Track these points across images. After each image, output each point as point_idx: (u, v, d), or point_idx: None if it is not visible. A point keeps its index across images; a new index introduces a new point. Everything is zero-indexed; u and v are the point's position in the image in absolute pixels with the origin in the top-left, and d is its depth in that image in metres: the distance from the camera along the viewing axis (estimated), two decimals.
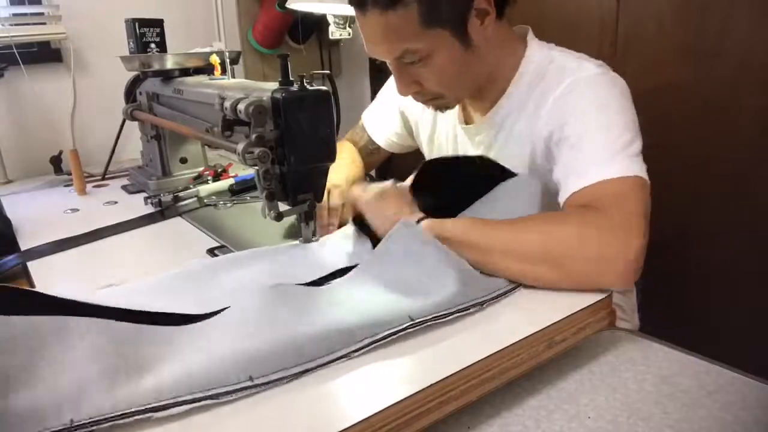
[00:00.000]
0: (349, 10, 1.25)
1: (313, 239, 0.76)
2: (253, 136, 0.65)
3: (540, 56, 0.79)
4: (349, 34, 1.68)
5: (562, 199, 0.70)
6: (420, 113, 0.98)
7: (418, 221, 0.67)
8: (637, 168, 0.67)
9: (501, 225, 0.65)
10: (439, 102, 0.82)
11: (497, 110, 0.82)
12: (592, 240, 0.60)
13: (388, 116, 1.04)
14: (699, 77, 1.17)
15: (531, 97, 0.78)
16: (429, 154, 1.00)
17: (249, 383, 0.45)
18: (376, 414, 0.42)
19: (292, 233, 0.82)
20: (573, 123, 0.71)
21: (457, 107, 0.89)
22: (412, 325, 0.52)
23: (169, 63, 1.01)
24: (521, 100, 0.79)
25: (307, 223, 0.75)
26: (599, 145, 0.69)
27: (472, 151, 0.88)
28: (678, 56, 1.18)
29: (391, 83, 1.04)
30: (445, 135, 0.94)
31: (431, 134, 0.97)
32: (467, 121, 0.90)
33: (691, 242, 1.24)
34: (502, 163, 0.75)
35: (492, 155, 0.83)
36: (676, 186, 1.17)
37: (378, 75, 2.01)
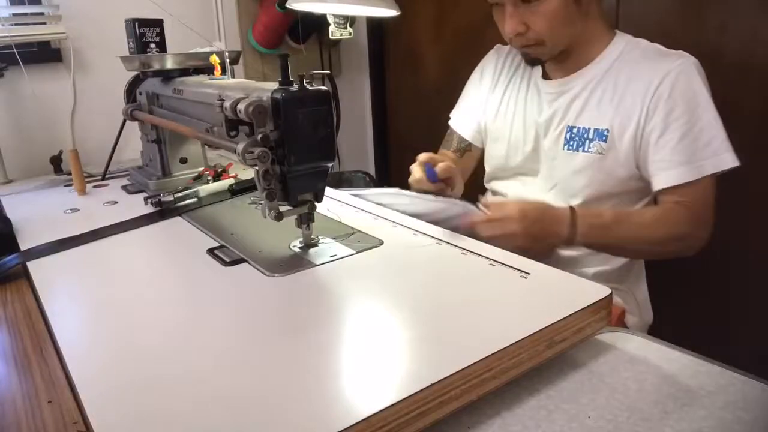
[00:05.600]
0: (349, 10, 1.26)
1: (313, 240, 0.76)
2: (254, 137, 0.65)
3: (627, 40, 0.94)
4: (350, 34, 1.68)
5: (659, 184, 0.88)
6: (496, 90, 1.09)
7: (572, 214, 0.84)
8: (728, 158, 0.85)
9: (630, 226, 0.88)
10: (537, 49, 0.92)
11: (586, 71, 0.94)
12: (689, 234, 0.88)
13: (471, 106, 1.11)
14: None
15: (624, 65, 0.91)
16: (494, 117, 1.08)
17: None
18: (376, 414, 0.42)
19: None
20: (682, 111, 0.86)
21: (539, 70, 1.02)
22: None
23: (169, 63, 1.01)
24: (610, 67, 0.93)
25: (308, 226, 0.75)
26: (702, 140, 0.85)
27: (547, 99, 0.99)
28: None
29: (472, 80, 1.14)
30: (516, 94, 1.05)
31: (501, 95, 1.08)
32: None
33: None
34: (589, 116, 0.93)
35: (575, 107, 0.95)
36: None
37: (378, 75, 2.01)
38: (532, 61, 0.98)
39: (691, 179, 0.85)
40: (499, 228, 0.79)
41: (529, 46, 0.92)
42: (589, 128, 0.92)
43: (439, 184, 0.89)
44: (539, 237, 0.81)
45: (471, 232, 0.78)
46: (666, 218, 0.88)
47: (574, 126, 0.94)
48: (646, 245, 0.89)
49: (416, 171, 0.90)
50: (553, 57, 0.94)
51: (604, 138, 0.91)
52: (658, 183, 0.88)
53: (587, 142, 0.92)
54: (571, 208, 0.85)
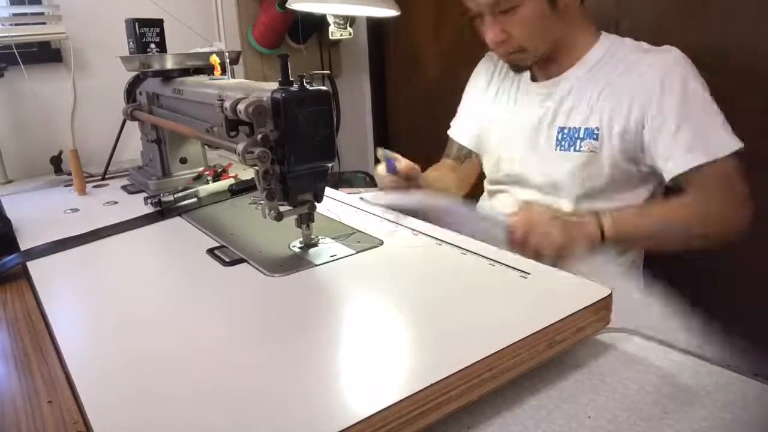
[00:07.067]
0: (349, 10, 1.26)
1: (313, 240, 0.76)
2: (254, 137, 0.65)
3: (612, 39, 0.95)
4: (350, 34, 1.68)
5: (673, 171, 0.86)
6: (491, 98, 1.10)
7: (599, 224, 0.82)
8: (731, 141, 0.85)
9: (659, 212, 0.89)
10: (519, 56, 0.95)
11: (573, 71, 0.96)
12: (724, 213, 0.86)
13: (469, 114, 1.13)
14: None
15: (610, 64, 0.93)
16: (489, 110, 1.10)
17: None
18: (376, 414, 0.42)
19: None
20: (674, 101, 0.86)
21: (527, 72, 1.03)
22: None
23: (169, 63, 1.01)
24: (596, 65, 0.94)
25: (308, 226, 0.75)
26: (703, 124, 0.85)
27: (537, 101, 1.00)
28: None
29: (468, 89, 1.16)
30: (507, 98, 1.07)
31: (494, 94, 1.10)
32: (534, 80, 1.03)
33: None
34: (579, 116, 0.94)
35: (565, 108, 0.96)
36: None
37: (378, 75, 2.01)
38: (517, 69, 1.01)
39: (700, 162, 0.84)
40: (536, 235, 0.79)
41: (512, 54, 0.95)
42: (579, 128, 0.93)
43: (396, 177, 0.93)
44: (573, 234, 0.80)
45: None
46: (697, 200, 0.86)
47: (564, 126, 0.95)
48: (683, 229, 0.86)
49: (380, 165, 0.95)
50: (538, 60, 0.97)
51: (594, 136, 0.92)
52: (669, 172, 0.87)
53: (578, 141, 0.93)
54: (592, 212, 0.85)
